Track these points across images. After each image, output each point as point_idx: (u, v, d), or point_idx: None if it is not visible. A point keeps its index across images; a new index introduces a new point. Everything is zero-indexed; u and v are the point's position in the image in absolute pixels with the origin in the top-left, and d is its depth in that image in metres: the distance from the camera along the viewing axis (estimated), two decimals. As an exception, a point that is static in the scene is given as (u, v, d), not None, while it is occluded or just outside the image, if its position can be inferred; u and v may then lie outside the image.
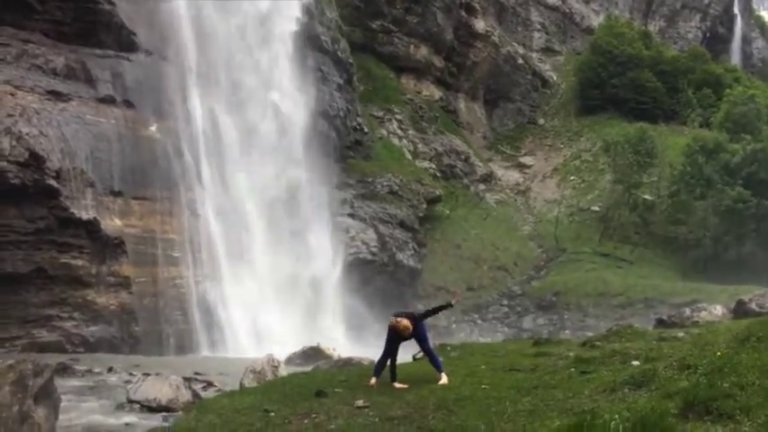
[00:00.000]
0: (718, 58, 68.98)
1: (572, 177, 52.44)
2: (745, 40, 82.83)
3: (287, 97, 31.63)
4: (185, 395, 11.76)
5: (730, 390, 6.13)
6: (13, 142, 21.88)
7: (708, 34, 76.55)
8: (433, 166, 46.40)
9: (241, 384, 12.34)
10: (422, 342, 10.09)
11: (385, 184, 37.91)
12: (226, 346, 25.66)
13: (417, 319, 9.97)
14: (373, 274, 34.66)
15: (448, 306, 11.00)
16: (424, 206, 39.64)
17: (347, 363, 14.59)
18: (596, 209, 48.21)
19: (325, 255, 31.77)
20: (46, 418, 7.97)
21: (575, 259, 43.03)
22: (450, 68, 53.08)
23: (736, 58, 78.13)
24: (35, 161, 22.22)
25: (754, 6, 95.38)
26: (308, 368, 15.11)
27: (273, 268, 28.12)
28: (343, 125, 36.35)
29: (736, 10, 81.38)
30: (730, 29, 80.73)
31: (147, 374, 12.54)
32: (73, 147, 23.62)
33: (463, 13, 53.05)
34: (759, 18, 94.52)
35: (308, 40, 33.32)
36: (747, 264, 40.32)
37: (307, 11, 33.70)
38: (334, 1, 38.58)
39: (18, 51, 23.89)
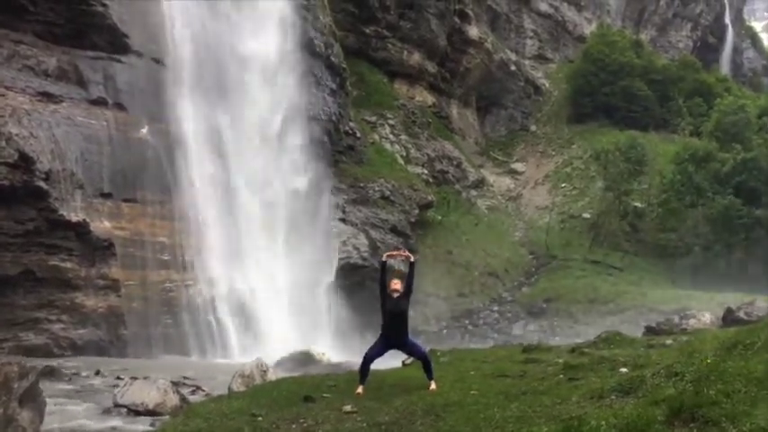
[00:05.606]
0: (709, 67, 69.53)
1: (563, 184, 52.62)
2: (736, 50, 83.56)
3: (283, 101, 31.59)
4: (173, 399, 11.68)
5: (716, 397, 6.14)
6: (3, 143, 21.75)
7: (699, 44, 77.17)
8: (426, 171, 46.40)
9: (229, 389, 12.28)
10: (407, 346, 10.02)
11: (377, 189, 37.84)
12: (215, 349, 25.54)
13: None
14: (364, 280, 34.56)
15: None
16: (416, 212, 39.60)
17: (337, 367, 14.60)
18: (587, 216, 48.37)
19: (316, 259, 31.69)
20: (30, 422, 7.90)
21: (565, 266, 43.15)
22: (443, 74, 53.19)
23: (726, 67, 78.78)
24: (25, 162, 22.09)
25: (745, 17, 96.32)
26: (298, 373, 15.07)
27: (264, 272, 28.01)
28: (336, 130, 36.31)
29: (727, 20, 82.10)
30: (721, 39, 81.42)
31: (135, 378, 12.45)
32: (63, 148, 23.49)
33: (457, 20, 53.19)
34: (750, 28, 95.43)
35: (301, 44, 33.30)
36: (736, 272, 40.56)
37: (300, 15, 33.69)
38: (327, 5, 38.58)
39: (9, 52, 23.78)
